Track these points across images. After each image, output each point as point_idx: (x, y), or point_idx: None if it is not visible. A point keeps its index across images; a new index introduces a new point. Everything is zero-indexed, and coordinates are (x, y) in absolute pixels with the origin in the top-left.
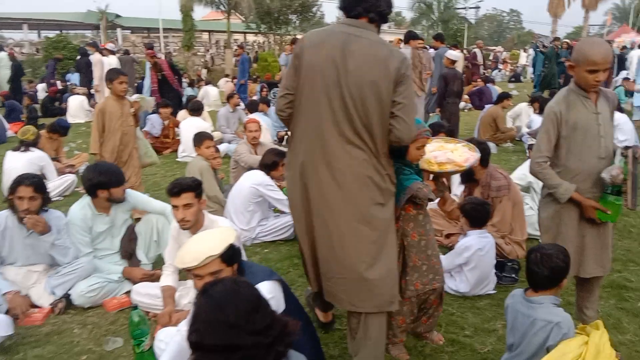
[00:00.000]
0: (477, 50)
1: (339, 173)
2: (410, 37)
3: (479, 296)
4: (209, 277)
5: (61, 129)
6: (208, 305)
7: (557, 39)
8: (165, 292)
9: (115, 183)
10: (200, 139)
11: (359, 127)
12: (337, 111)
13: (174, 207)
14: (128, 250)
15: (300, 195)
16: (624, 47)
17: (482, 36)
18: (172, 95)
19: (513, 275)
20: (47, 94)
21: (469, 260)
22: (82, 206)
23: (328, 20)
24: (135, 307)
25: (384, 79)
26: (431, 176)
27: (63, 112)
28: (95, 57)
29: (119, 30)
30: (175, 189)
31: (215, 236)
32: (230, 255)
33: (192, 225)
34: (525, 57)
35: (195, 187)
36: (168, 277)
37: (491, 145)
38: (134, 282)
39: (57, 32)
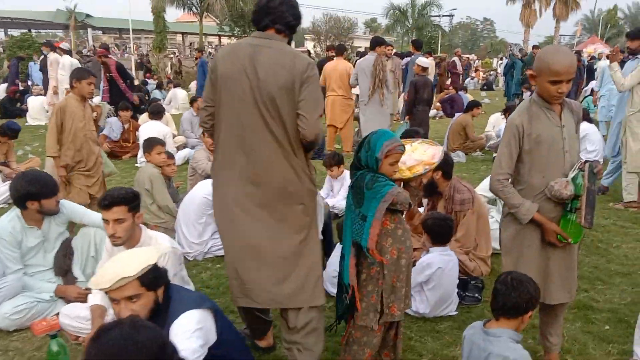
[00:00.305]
0: (456, 59)
1: (259, 177)
2: (376, 43)
3: (440, 318)
4: (126, 302)
5: (10, 132)
6: (98, 357)
7: (536, 46)
8: (94, 312)
9: (46, 194)
10: (150, 144)
11: (276, 131)
12: (255, 118)
13: (105, 220)
14: (63, 266)
15: (223, 199)
16: (592, 57)
17: (456, 44)
18: (118, 99)
19: (476, 295)
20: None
21: (430, 278)
22: (11, 218)
23: (304, 25)
24: (54, 335)
25: (291, 84)
26: (402, 184)
27: (23, 113)
28: (51, 57)
29: (89, 30)
30: (106, 201)
31: (135, 256)
32: (152, 278)
33: (125, 242)
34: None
35: (129, 199)
36: (97, 295)
37: (460, 154)
38: (69, 302)
39: (26, 31)
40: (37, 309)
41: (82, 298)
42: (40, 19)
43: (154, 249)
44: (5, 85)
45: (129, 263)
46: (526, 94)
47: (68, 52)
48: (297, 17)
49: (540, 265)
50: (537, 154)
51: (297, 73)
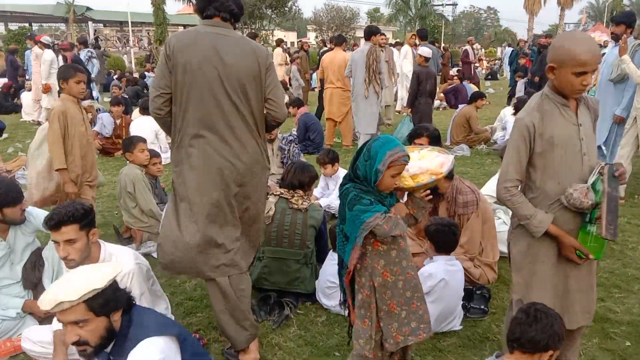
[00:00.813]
0: (468, 48)
1: (228, 164)
2: (370, 33)
3: (442, 334)
4: (72, 326)
5: None
6: None
7: (548, 36)
8: (56, 338)
9: (9, 202)
10: (130, 143)
11: (245, 112)
12: (223, 103)
13: (54, 242)
14: (32, 279)
15: (191, 183)
16: (600, 46)
17: (460, 33)
18: None
19: (482, 307)
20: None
21: (432, 290)
22: None
23: (306, 15)
24: None
25: (257, 70)
26: (406, 195)
27: (19, 108)
28: (36, 51)
29: (90, 23)
30: (53, 221)
31: (84, 277)
32: (102, 303)
33: (81, 263)
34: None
35: (79, 217)
36: None
37: (464, 147)
38: (39, 318)
39: (26, 24)
40: (2, 328)
41: (52, 314)
42: (40, 12)
43: (112, 267)
44: (4, 80)
45: (74, 284)
46: (520, 83)
47: (49, 46)
48: (240, 6)
49: (557, 285)
50: (550, 157)
51: (262, 60)
